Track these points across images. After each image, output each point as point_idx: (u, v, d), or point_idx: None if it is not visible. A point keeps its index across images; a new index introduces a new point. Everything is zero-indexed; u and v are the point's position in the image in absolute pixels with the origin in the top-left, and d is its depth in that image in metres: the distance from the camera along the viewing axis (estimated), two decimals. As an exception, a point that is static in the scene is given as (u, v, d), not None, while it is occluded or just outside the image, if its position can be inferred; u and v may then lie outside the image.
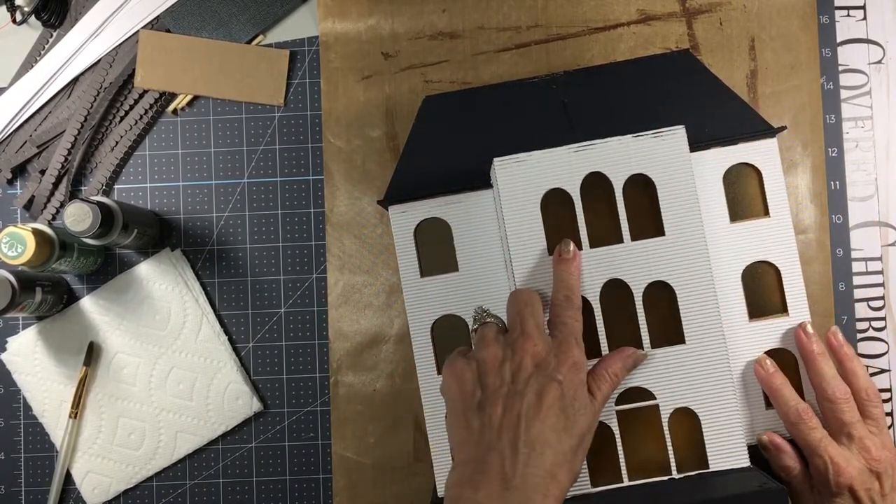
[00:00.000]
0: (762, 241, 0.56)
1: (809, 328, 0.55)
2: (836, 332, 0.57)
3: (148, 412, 0.63)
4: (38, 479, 0.64)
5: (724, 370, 0.52)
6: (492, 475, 0.43)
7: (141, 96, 0.65)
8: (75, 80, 0.65)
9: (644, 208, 0.53)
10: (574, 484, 0.47)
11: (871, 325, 0.63)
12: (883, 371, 0.62)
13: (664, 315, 0.52)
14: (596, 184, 0.53)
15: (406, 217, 0.57)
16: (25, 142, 0.65)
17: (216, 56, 0.64)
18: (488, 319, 0.51)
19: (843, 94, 0.63)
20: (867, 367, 0.62)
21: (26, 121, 0.65)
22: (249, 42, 0.65)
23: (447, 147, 0.58)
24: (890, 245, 0.63)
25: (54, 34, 0.66)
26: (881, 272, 0.63)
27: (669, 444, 0.52)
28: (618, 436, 0.52)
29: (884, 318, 0.63)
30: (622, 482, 0.52)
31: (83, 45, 0.65)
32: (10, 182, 0.65)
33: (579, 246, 0.53)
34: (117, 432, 0.63)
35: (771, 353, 0.55)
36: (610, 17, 0.62)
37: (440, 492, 0.54)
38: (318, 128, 0.64)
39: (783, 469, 0.54)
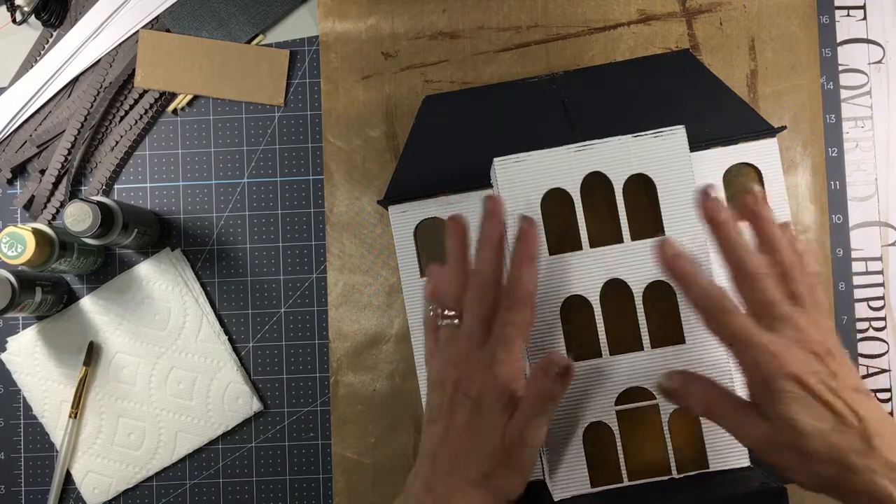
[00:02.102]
0: (762, 241, 0.56)
1: (713, 192, 0.46)
2: (756, 194, 0.48)
3: (148, 412, 0.63)
4: (38, 479, 0.64)
5: (724, 370, 0.52)
6: (411, 490, 0.47)
7: (141, 96, 0.65)
8: (75, 80, 0.65)
9: (644, 208, 0.53)
10: (508, 498, 0.47)
11: (871, 325, 0.63)
12: (883, 371, 0.62)
13: (664, 315, 0.52)
14: (596, 184, 0.53)
15: (406, 217, 0.57)
16: (25, 142, 0.65)
17: (216, 56, 0.64)
18: (444, 322, 0.50)
19: (843, 94, 0.63)
20: (866, 366, 0.62)
21: (26, 121, 0.65)
22: (249, 42, 0.65)
23: (447, 147, 0.58)
24: (890, 245, 0.63)
25: (54, 34, 0.66)
26: (881, 272, 0.63)
27: (669, 444, 0.52)
28: (618, 436, 0.52)
29: (884, 318, 0.63)
30: (622, 482, 0.52)
31: (83, 45, 0.65)
32: (10, 182, 0.65)
33: (579, 246, 0.53)
34: (117, 432, 0.63)
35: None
36: (610, 17, 0.62)
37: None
38: (318, 128, 0.64)
39: (701, 399, 0.46)
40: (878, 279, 0.63)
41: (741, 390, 0.46)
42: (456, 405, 0.47)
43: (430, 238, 0.57)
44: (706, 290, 0.45)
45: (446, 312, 0.49)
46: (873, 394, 0.45)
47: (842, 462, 0.41)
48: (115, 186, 0.65)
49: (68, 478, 0.63)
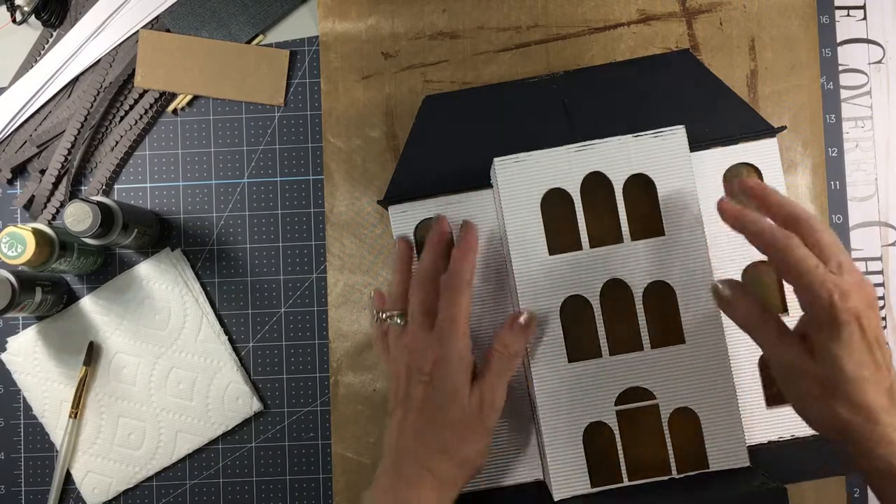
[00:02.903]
0: (762, 241, 0.56)
1: (727, 199, 0.49)
2: (749, 182, 0.50)
3: (148, 412, 0.63)
4: (38, 479, 0.64)
5: (724, 370, 0.52)
6: (380, 477, 0.49)
7: (141, 96, 0.65)
8: (75, 80, 0.65)
9: (644, 208, 0.53)
10: (476, 467, 0.50)
11: (871, 325, 0.63)
12: (883, 371, 0.62)
13: (664, 315, 0.52)
14: (596, 184, 0.53)
15: (406, 217, 0.57)
16: (25, 142, 0.65)
17: (216, 56, 0.64)
18: (388, 323, 0.54)
19: (843, 94, 0.63)
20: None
21: (26, 121, 0.65)
22: (249, 42, 0.65)
23: (447, 147, 0.58)
24: (890, 245, 0.63)
25: (54, 34, 0.66)
26: (881, 272, 0.63)
27: (669, 444, 0.52)
28: (618, 436, 0.52)
29: (884, 318, 0.63)
30: (622, 482, 0.52)
31: (83, 45, 0.65)
32: (10, 182, 0.65)
33: (579, 246, 0.53)
34: (117, 432, 0.63)
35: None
36: (610, 17, 0.62)
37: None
38: (318, 128, 0.64)
39: (746, 314, 0.47)
40: (878, 279, 0.63)
41: (745, 382, 0.49)
42: (411, 386, 0.50)
43: (430, 238, 0.57)
44: (776, 229, 0.46)
45: (390, 312, 0.54)
46: None
47: (866, 410, 0.43)
48: (115, 186, 0.65)
49: (68, 478, 0.63)
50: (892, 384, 0.44)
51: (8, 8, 0.65)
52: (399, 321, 0.53)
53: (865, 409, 0.43)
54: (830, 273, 0.44)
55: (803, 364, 0.45)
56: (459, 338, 0.50)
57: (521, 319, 0.51)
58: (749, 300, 0.47)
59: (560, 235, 0.53)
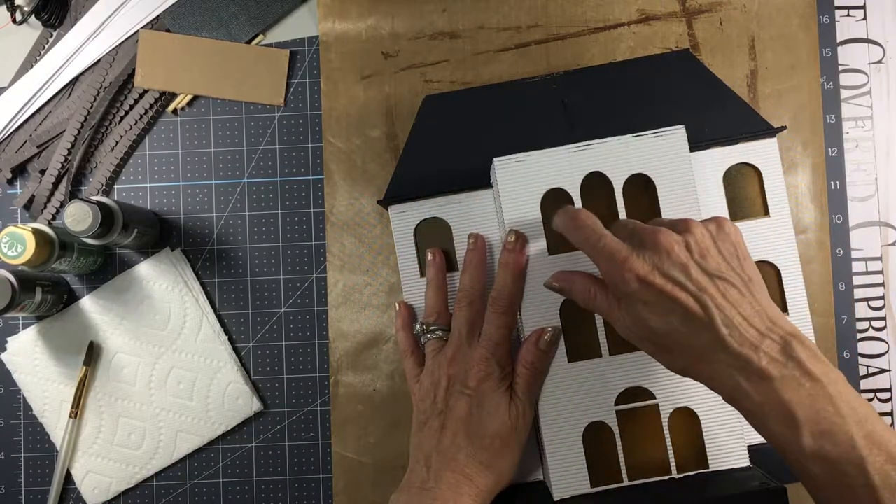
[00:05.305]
0: (762, 240, 0.56)
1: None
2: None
3: (148, 412, 0.63)
4: (38, 479, 0.64)
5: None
6: (414, 482, 0.50)
7: (141, 96, 0.65)
8: (75, 80, 0.65)
9: (644, 208, 0.53)
10: (509, 480, 0.52)
11: (871, 325, 0.63)
12: (883, 371, 0.63)
13: (664, 315, 0.52)
14: (596, 184, 0.53)
15: (406, 217, 0.57)
16: (25, 142, 0.65)
17: (216, 56, 0.64)
18: (429, 336, 0.55)
19: (843, 94, 0.63)
20: (866, 366, 0.62)
21: (26, 121, 0.65)
22: (249, 42, 0.65)
23: (447, 147, 0.58)
24: (890, 245, 0.63)
25: (54, 34, 0.66)
26: (881, 272, 0.63)
27: (669, 444, 0.52)
28: (618, 436, 0.52)
29: (884, 318, 0.63)
30: (622, 482, 0.52)
31: (83, 45, 0.65)
32: (10, 182, 0.65)
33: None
34: (117, 432, 0.63)
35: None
36: (610, 17, 0.62)
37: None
38: (318, 128, 0.64)
39: (581, 292, 0.49)
40: (878, 279, 0.63)
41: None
42: (452, 398, 0.51)
43: (429, 238, 0.57)
44: (572, 213, 0.48)
45: (433, 327, 0.54)
46: (742, 277, 0.44)
47: (693, 353, 0.43)
48: (115, 186, 0.65)
49: (68, 478, 0.63)
50: (714, 321, 0.42)
51: (8, 8, 0.65)
52: (441, 334, 0.54)
53: (689, 352, 0.43)
54: (612, 241, 0.45)
55: (630, 328, 0.45)
56: (504, 356, 0.52)
57: (547, 337, 0.52)
58: (580, 279, 0.49)
59: (560, 235, 0.53)
